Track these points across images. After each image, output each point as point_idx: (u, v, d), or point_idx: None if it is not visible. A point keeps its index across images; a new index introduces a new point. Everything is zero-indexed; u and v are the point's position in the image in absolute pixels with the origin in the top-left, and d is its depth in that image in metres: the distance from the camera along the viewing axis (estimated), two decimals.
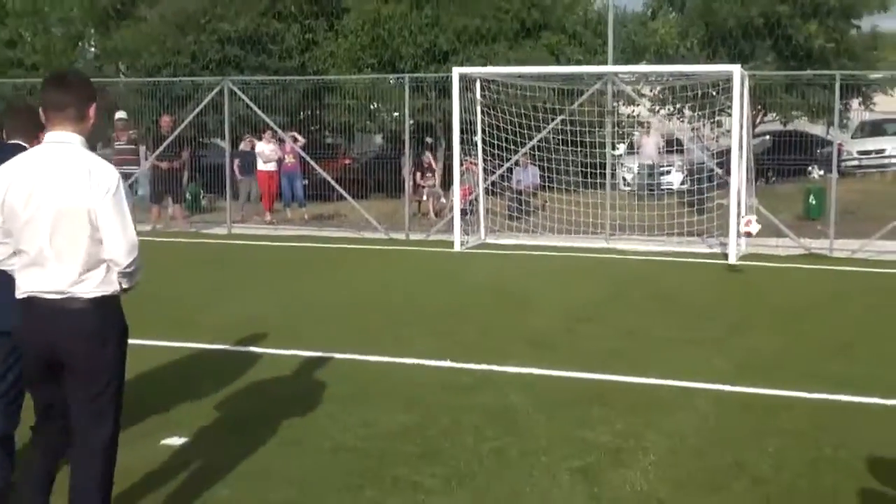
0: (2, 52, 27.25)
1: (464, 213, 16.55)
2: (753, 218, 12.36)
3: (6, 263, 4.26)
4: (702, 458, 5.92)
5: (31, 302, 4.16)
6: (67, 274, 4.12)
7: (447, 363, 8.24)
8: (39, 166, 4.18)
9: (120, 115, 19.97)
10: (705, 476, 5.61)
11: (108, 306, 4.25)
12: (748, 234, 12.04)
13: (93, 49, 26.39)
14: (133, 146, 19.83)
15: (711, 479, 5.57)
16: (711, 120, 20.71)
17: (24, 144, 5.59)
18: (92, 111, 4.28)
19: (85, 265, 4.14)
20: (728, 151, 15.69)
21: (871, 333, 9.62)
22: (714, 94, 17.60)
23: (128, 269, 4.21)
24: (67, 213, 4.10)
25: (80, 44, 26.37)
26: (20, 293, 4.18)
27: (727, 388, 7.50)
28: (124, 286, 4.30)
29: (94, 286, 4.17)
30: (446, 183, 19.52)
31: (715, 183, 16.94)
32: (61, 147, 4.21)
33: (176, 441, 6.20)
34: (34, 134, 5.32)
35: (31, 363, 4.30)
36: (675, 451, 6.04)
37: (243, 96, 18.90)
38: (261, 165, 20.70)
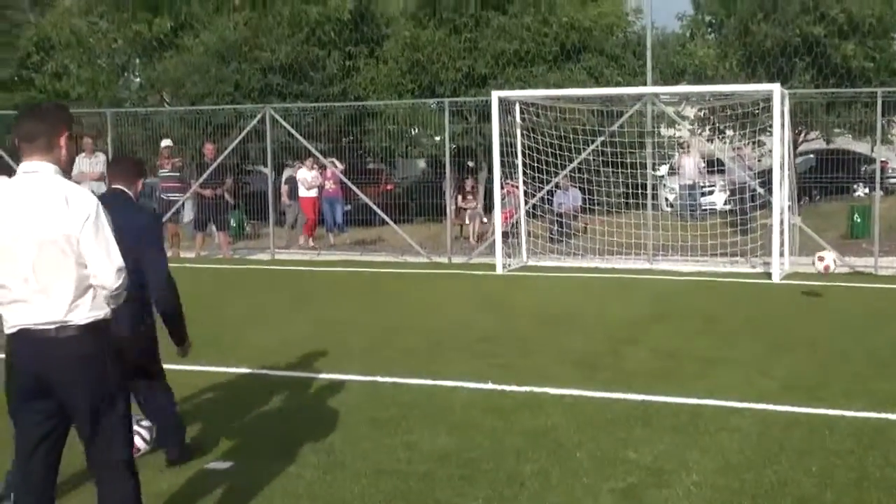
0: (49, 84, 27.67)
1: (505, 236, 16.57)
2: (828, 254, 12.21)
3: None
4: (745, 478, 5.88)
5: (22, 334, 4.10)
6: (58, 305, 4.07)
7: (489, 385, 8.24)
8: (13, 198, 4.13)
9: (165, 143, 20.18)
10: (749, 496, 5.57)
11: (100, 330, 4.20)
12: (826, 269, 11.88)
13: (137, 79, 26.70)
14: (178, 174, 20.02)
15: (755, 499, 5.53)
16: (753, 140, 20.58)
17: (125, 190, 5.99)
18: (63, 140, 4.20)
19: (76, 292, 4.09)
20: (770, 171, 15.61)
21: None
22: (755, 113, 17.57)
23: (115, 293, 4.17)
24: (48, 243, 4.04)
25: (125, 74, 26.69)
26: (9, 328, 4.12)
27: (770, 407, 7.45)
28: (112, 306, 4.25)
29: (87, 311, 4.13)
30: (488, 206, 19.50)
31: (758, 203, 16.86)
32: (34, 176, 4.14)
33: (220, 465, 6.26)
34: (133, 181, 6.02)
35: (18, 393, 4.20)
36: (718, 471, 6.00)
37: (285, 123, 19.05)
38: (303, 192, 20.82)
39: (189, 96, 24.15)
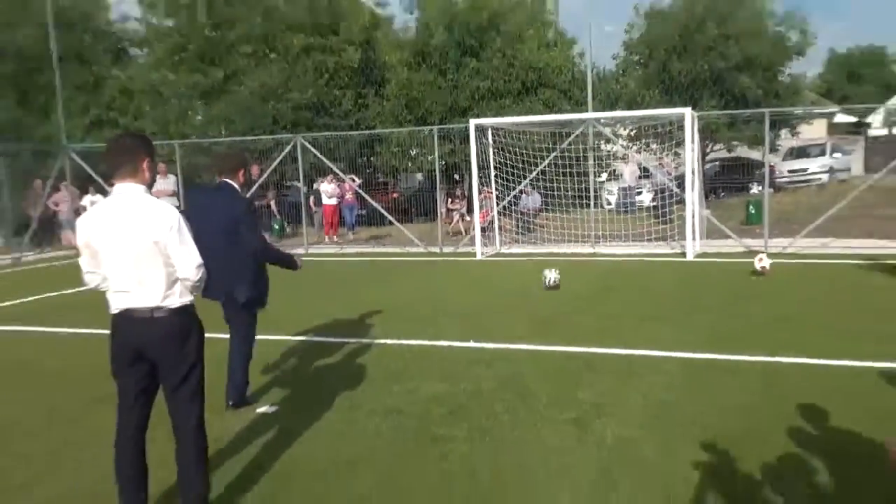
0: (129, 123, 27.62)
1: (483, 230, 16.61)
2: (765, 256, 12.18)
3: (101, 287, 4.27)
4: (667, 410, 5.94)
5: (124, 314, 4.18)
6: (153, 295, 4.15)
7: (471, 344, 8.29)
8: (114, 211, 4.15)
9: None
10: (668, 423, 5.64)
11: (187, 313, 4.28)
12: (763, 269, 11.85)
13: (199, 117, 26.61)
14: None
15: (672, 426, 5.59)
16: (671, 151, 20.67)
17: (231, 183, 6.37)
18: (145, 165, 4.20)
19: (166, 284, 4.17)
20: (684, 175, 15.66)
21: (800, 309, 9.57)
22: (672, 131, 17.61)
23: (196, 284, 4.25)
24: (143, 247, 4.10)
25: (188, 113, 26.61)
26: (114, 309, 4.21)
27: (689, 355, 7.51)
28: (195, 294, 4.35)
29: (176, 299, 4.22)
30: (469, 208, 19.53)
31: (675, 199, 16.91)
32: (127, 195, 4.17)
33: (268, 410, 6.33)
34: (235, 174, 6.32)
35: (121, 360, 4.25)
36: (648, 405, 6.07)
37: (312, 148, 19.04)
38: (325, 200, 20.97)
39: (238, 129, 24.11)
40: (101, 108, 28.87)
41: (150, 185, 4.30)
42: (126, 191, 4.16)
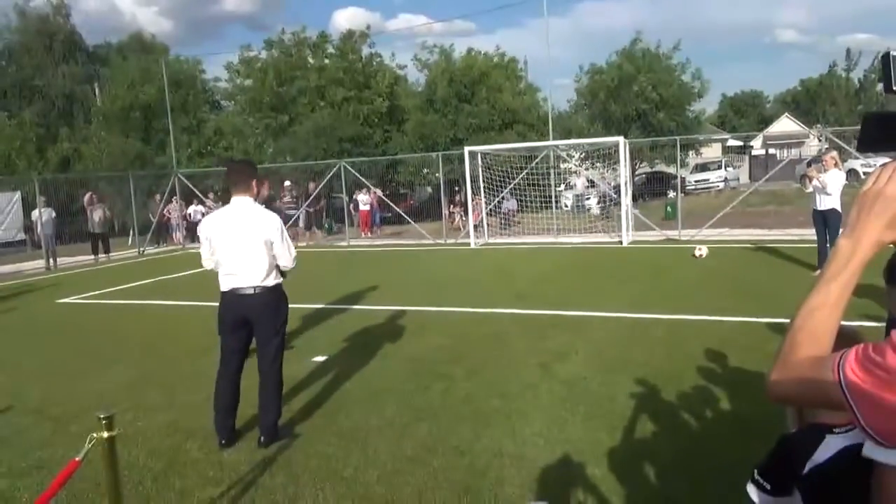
0: (221, 153, 27.62)
1: (475, 227, 16.53)
2: (704, 247, 11.95)
3: (213, 269, 4.33)
4: (609, 355, 5.89)
5: (235, 291, 4.22)
6: (256, 277, 4.19)
7: (468, 309, 8.23)
8: (235, 217, 4.21)
9: (287, 183, 20.13)
10: (610, 363, 5.59)
11: (278, 290, 4.31)
12: (700, 255, 11.63)
13: (270, 149, 26.60)
14: (294, 200, 19.97)
15: (612, 364, 5.54)
16: (611, 168, 20.56)
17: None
18: (254, 183, 4.24)
19: (267, 271, 4.21)
20: (620, 185, 15.56)
21: (702, 279, 9.51)
22: (610, 154, 17.51)
23: (289, 269, 4.37)
24: (256, 243, 4.16)
25: (263, 146, 26.61)
26: (225, 287, 4.24)
27: (623, 315, 7.45)
28: (285, 277, 4.41)
29: (272, 280, 4.25)
30: (465, 211, 19.43)
31: (613, 203, 16.81)
32: (243, 206, 4.23)
33: (320, 359, 6.26)
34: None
35: (228, 324, 4.27)
36: (595, 352, 6.01)
37: (351, 170, 18.97)
38: (361, 206, 20.93)
39: (299, 157, 24.06)
40: (201, 143, 28.91)
41: (256, 198, 4.33)
42: (242, 202, 4.23)
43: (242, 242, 4.16)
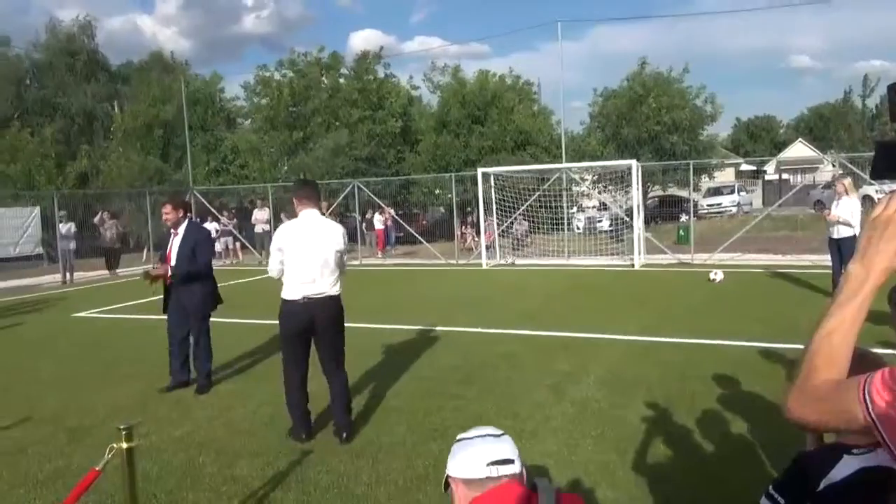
0: (237, 172, 27.89)
1: (487, 247, 16.57)
2: (720, 271, 11.86)
3: (279, 277, 4.54)
4: (621, 375, 5.89)
5: (307, 299, 4.42)
6: (327, 285, 4.47)
7: (480, 329, 8.24)
8: (306, 229, 4.45)
9: None
10: (622, 385, 5.58)
11: (340, 298, 4.65)
12: (716, 280, 11.51)
13: (285, 167, 26.81)
14: None
15: (624, 387, 5.53)
16: (623, 191, 20.57)
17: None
18: (320, 199, 4.61)
19: (336, 279, 4.53)
20: (632, 208, 15.57)
21: (715, 303, 9.48)
22: (623, 176, 17.54)
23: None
24: (327, 253, 4.44)
25: (278, 164, 26.82)
26: (296, 295, 4.43)
27: (634, 337, 7.45)
28: None
29: (337, 289, 4.59)
30: (477, 231, 19.49)
31: (625, 225, 16.80)
32: (312, 218, 4.48)
33: None
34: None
35: (295, 331, 4.48)
36: (606, 373, 6.01)
37: (365, 189, 19.12)
38: (377, 225, 20.96)
39: (315, 175, 24.25)
40: (217, 161, 29.18)
41: (322, 212, 4.66)
42: (312, 215, 4.48)
43: (317, 252, 4.40)
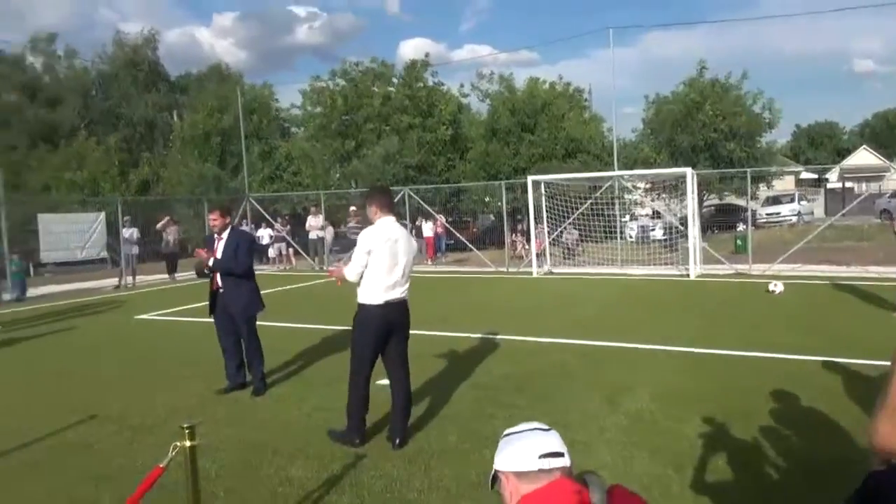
0: (290, 178, 28.50)
1: (538, 256, 16.49)
2: (779, 283, 11.56)
3: (355, 282, 4.57)
4: (676, 387, 5.78)
5: (390, 302, 4.53)
6: (404, 290, 4.63)
7: (531, 338, 8.21)
8: (391, 235, 4.52)
9: (352, 208, 20.59)
10: (677, 398, 5.47)
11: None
12: (775, 292, 11.23)
13: (337, 175, 27.24)
14: (359, 225, 20.39)
15: (679, 400, 5.42)
16: (677, 199, 20.22)
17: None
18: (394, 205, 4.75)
19: (409, 285, 4.69)
20: (687, 216, 15.27)
21: (773, 316, 9.20)
22: (677, 185, 17.25)
23: None
24: (407, 259, 4.59)
25: (330, 172, 27.27)
26: (379, 300, 4.51)
27: (691, 349, 7.30)
28: None
29: (407, 292, 4.70)
30: (528, 239, 19.39)
31: (680, 234, 16.48)
32: (394, 225, 4.57)
33: (383, 382, 6.11)
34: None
35: (377, 334, 4.56)
36: (661, 384, 5.90)
37: (415, 197, 19.25)
38: (426, 233, 21.09)
39: (366, 182, 24.57)
40: (272, 168, 29.90)
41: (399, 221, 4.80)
42: (392, 222, 4.57)
43: (401, 256, 4.53)
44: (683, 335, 8.05)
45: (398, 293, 4.56)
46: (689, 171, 15.10)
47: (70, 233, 17.00)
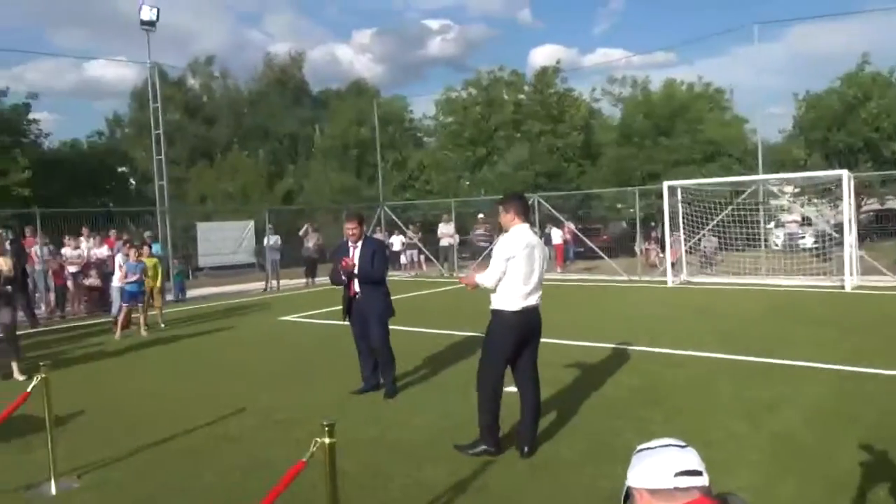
0: (422, 187, 29.27)
1: (673, 265, 15.83)
2: None
3: (490, 288, 4.55)
4: (829, 409, 5.34)
5: (528, 308, 4.54)
6: (538, 297, 4.61)
7: (666, 350, 7.91)
8: (527, 242, 4.53)
9: (480, 216, 20.83)
10: (829, 420, 5.06)
11: None
12: None
13: (467, 183, 27.64)
14: (487, 233, 20.58)
15: (831, 421, 5.00)
16: (831, 204, 18.61)
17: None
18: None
19: (541, 290, 4.65)
20: (842, 223, 14.05)
21: None
22: (832, 188, 15.95)
23: None
24: (542, 266, 4.61)
25: (460, 180, 27.72)
26: (517, 306, 4.50)
27: (841, 367, 6.72)
28: None
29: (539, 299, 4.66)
30: (662, 247, 18.68)
31: (834, 242, 15.18)
32: (529, 232, 4.62)
33: (511, 389, 5.48)
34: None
35: (515, 341, 4.57)
36: (807, 405, 5.47)
37: (545, 204, 19.10)
38: (555, 241, 20.82)
39: (495, 191, 24.76)
40: (405, 177, 30.87)
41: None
42: (527, 229, 4.61)
43: (538, 263, 4.57)
44: (836, 352, 7.41)
45: (533, 300, 4.55)
46: (844, 173, 13.91)
47: (224, 239, 18.48)
